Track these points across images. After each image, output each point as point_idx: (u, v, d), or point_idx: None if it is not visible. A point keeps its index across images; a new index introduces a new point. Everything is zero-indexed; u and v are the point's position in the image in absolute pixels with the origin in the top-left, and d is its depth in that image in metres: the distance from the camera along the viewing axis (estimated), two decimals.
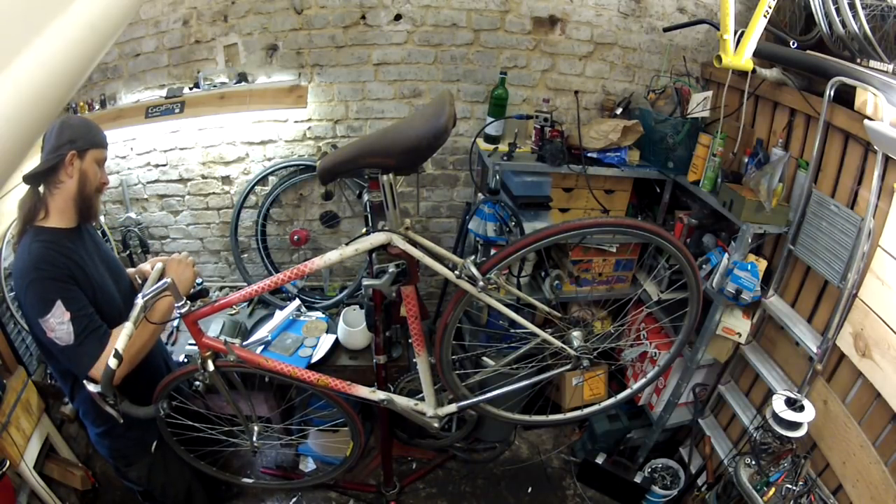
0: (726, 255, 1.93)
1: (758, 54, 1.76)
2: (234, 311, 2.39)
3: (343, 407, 1.68)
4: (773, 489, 1.71)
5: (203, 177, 2.48)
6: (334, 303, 2.51)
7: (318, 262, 1.30)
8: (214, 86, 2.24)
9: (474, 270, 1.29)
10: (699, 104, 2.08)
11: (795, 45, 1.85)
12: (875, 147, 1.53)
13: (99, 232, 1.79)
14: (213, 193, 2.53)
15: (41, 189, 1.37)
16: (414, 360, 1.52)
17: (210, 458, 1.87)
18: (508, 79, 2.25)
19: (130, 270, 1.64)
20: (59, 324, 1.25)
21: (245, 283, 2.57)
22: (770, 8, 1.67)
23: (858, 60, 1.72)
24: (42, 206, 1.36)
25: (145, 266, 1.64)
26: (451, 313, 1.40)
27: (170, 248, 2.62)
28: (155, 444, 1.68)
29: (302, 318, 2.36)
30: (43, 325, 1.26)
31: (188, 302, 1.39)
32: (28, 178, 1.36)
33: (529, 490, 2.54)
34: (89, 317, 1.31)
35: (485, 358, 1.77)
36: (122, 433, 1.54)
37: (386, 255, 1.33)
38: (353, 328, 2.22)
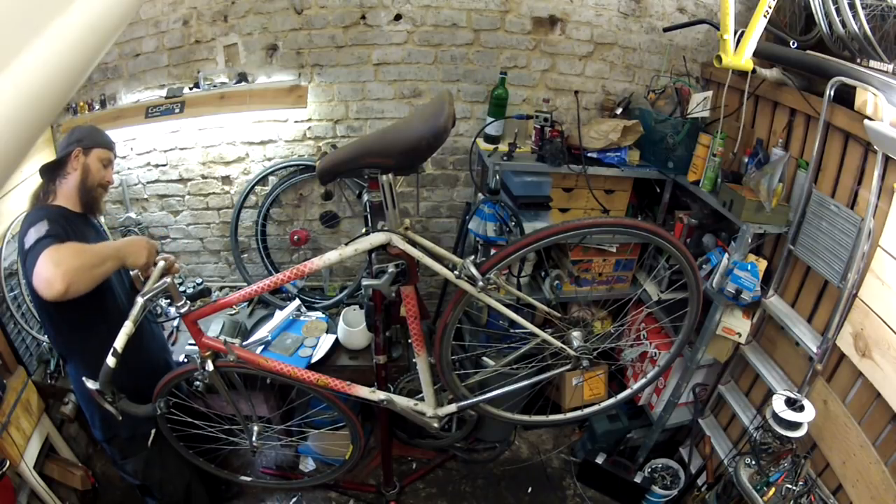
0: (726, 255, 1.93)
1: (758, 54, 1.76)
2: (233, 311, 2.39)
3: (343, 410, 1.68)
4: (773, 489, 1.71)
5: (203, 177, 2.48)
6: (334, 303, 2.51)
7: (318, 262, 1.30)
8: (214, 86, 2.24)
9: (474, 270, 1.29)
10: (699, 104, 2.08)
11: (795, 45, 1.85)
12: (875, 147, 1.53)
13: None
14: (213, 193, 2.53)
15: (52, 183, 1.54)
16: (414, 360, 1.52)
17: (209, 455, 1.87)
18: (508, 79, 2.25)
19: (133, 271, 1.65)
20: (37, 230, 1.31)
21: (245, 283, 2.57)
22: (770, 8, 1.67)
23: (858, 60, 1.72)
24: (51, 192, 1.54)
25: None
26: (450, 313, 1.40)
27: (170, 248, 2.62)
28: (152, 438, 1.68)
29: (302, 318, 2.36)
30: (26, 237, 1.31)
31: (188, 301, 1.39)
32: (42, 170, 1.56)
33: (529, 490, 2.54)
34: (64, 236, 1.31)
35: (485, 358, 1.77)
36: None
37: (385, 255, 1.33)
38: (353, 328, 2.22)
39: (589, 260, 2.36)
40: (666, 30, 2.27)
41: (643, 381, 1.80)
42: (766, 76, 1.91)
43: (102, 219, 2.37)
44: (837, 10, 1.63)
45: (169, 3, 2.14)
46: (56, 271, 1.19)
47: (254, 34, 2.21)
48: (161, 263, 1.48)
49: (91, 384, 1.29)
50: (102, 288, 1.42)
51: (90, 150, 1.56)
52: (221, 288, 2.64)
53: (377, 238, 1.29)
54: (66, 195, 1.53)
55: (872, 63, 1.69)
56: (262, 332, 2.19)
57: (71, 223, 1.48)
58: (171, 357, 1.91)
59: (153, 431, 1.69)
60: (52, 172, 1.55)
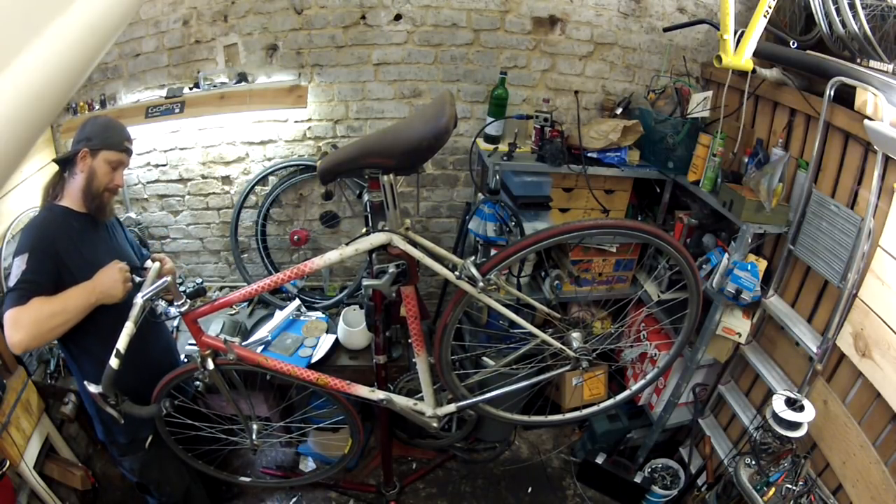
0: (726, 255, 1.93)
1: (758, 54, 1.76)
2: (234, 311, 2.39)
3: (342, 403, 1.68)
4: (773, 489, 1.71)
5: (203, 177, 2.48)
6: (334, 303, 2.51)
7: (318, 261, 1.30)
8: (214, 86, 2.24)
9: (474, 271, 1.29)
10: (699, 104, 2.08)
11: (795, 45, 1.85)
12: (875, 147, 1.53)
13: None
14: (213, 193, 2.53)
15: (66, 175, 1.50)
16: (413, 360, 1.52)
17: (208, 457, 1.87)
18: (508, 79, 2.25)
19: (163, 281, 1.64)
20: (17, 267, 1.33)
21: (245, 283, 2.57)
22: (770, 8, 1.67)
23: (858, 60, 1.72)
24: (60, 189, 1.49)
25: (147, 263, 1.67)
26: (450, 314, 1.40)
27: (170, 248, 2.62)
28: (149, 440, 1.68)
29: (302, 318, 2.36)
30: (11, 266, 1.36)
31: (188, 300, 1.39)
32: (57, 161, 1.52)
33: (529, 490, 2.54)
34: (36, 283, 1.33)
35: (484, 358, 1.77)
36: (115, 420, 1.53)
37: (386, 255, 1.33)
38: (353, 328, 2.22)
39: (589, 260, 2.36)
40: (666, 30, 2.27)
41: (643, 381, 1.81)
42: (766, 76, 1.91)
43: None
44: (837, 10, 1.63)
45: (169, 3, 2.14)
46: (14, 337, 1.27)
47: (254, 34, 2.21)
48: (157, 265, 1.48)
49: (93, 388, 1.29)
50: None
51: (98, 152, 1.46)
52: (221, 288, 2.64)
53: (378, 238, 1.29)
54: (72, 196, 1.48)
55: (872, 63, 1.69)
56: (262, 332, 2.18)
57: (71, 231, 1.43)
58: (178, 358, 1.89)
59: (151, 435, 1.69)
60: (64, 166, 1.50)
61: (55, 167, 1.53)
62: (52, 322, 1.31)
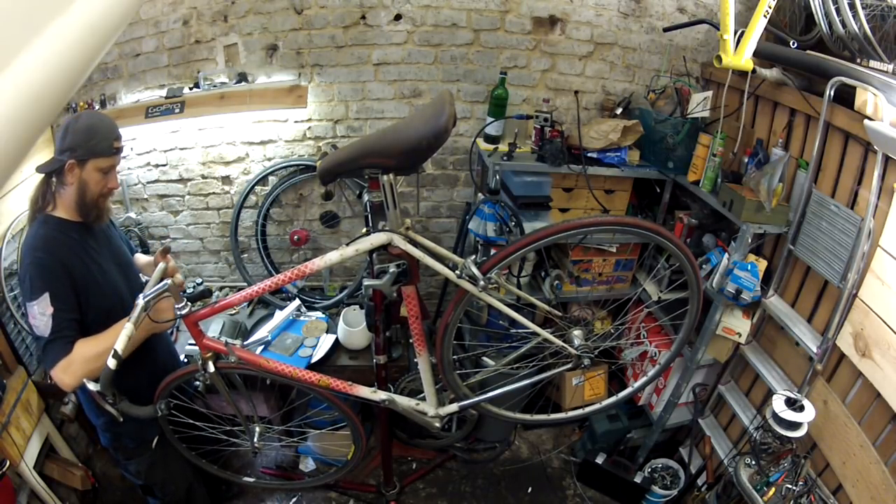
0: (726, 255, 1.93)
1: (758, 54, 1.76)
2: (234, 311, 2.39)
3: (344, 410, 1.68)
4: (773, 489, 1.71)
5: (203, 177, 2.48)
6: (334, 303, 2.51)
7: (319, 262, 1.30)
8: (214, 86, 2.24)
9: (475, 270, 1.29)
10: (699, 104, 2.08)
11: (795, 45, 1.85)
12: (875, 147, 1.53)
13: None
14: (213, 193, 2.53)
15: (53, 181, 1.40)
16: (415, 360, 1.52)
17: (211, 456, 1.87)
18: (508, 79, 2.25)
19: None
20: (41, 314, 1.29)
21: (245, 284, 2.57)
22: (770, 8, 1.67)
23: (858, 60, 1.72)
24: (51, 198, 1.40)
25: (142, 259, 1.70)
26: (451, 313, 1.40)
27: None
28: (156, 440, 1.68)
29: (302, 318, 2.36)
30: (28, 309, 1.31)
31: (189, 303, 1.39)
32: (40, 168, 1.40)
33: (529, 490, 2.54)
34: (69, 322, 1.32)
35: (485, 358, 1.77)
36: (120, 425, 1.52)
37: (386, 255, 1.33)
38: (353, 328, 2.22)
39: (589, 260, 2.36)
40: (666, 30, 2.27)
41: (643, 380, 1.80)
42: (766, 76, 1.91)
43: None
44: (837, 11, 1.63)
45: (169, 3, 2.14)
46: (66, 380, 1.31)
47: (254, 34, 2.21)
48: (162, 265, 1.47)
49: (92, 385, 1.29)
50: (101, 293, 1.42)
51: (86, 163, 1.36)
52: (221, 288, 2.64)
53: (378, 238, 1.29)
54: (66, 206, 1.40)
55: (872, 63, 1.69)
56: (263, 333, 2.18)
57: (74, 245, 1.39)
58: (179, 359, 1.88)
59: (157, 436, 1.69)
60: (49, 175, 1.40)
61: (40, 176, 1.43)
62: (102, 360, 1.28)
